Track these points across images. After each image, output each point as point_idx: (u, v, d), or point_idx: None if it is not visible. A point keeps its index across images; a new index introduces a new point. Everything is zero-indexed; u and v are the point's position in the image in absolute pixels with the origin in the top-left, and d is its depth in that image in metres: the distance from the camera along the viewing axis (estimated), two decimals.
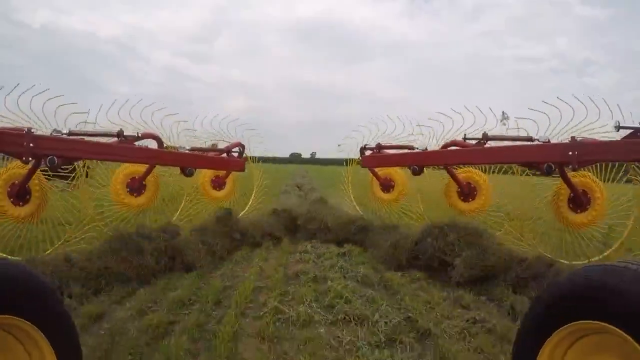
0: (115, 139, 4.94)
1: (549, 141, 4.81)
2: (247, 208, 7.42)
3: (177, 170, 5.97)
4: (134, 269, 4.33)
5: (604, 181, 5.32)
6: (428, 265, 4.86)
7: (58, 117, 4.80)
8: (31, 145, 3.84)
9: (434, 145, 6.02)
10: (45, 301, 1.59)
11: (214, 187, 7.21)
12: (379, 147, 6.57)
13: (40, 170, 4.77)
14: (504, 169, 6.21)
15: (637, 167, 5.08)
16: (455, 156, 5.38)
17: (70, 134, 4.78)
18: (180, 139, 6.28)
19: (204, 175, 7.03)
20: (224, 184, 7.29)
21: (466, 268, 4.43)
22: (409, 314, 3.57)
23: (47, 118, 4.80)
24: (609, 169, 5.36)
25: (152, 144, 5.46)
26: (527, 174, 5.69)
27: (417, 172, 5.78)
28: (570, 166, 4.20)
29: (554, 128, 4.95)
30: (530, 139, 4.97)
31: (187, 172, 5.41)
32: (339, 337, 3.16)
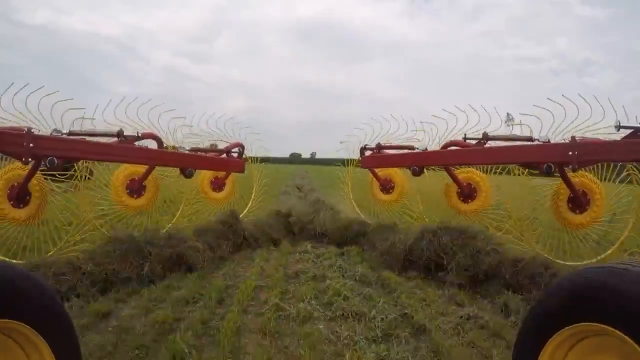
0: (115, 139, 4.93)
1: (549, 141, 4.80)
2: (246, 210, 7.40)
3: (175, 171, 5.98)
4: (137, 270, 4.39)
5: (602, 180, 5.31)
6: (424, 268, 4.89)
7: (58, 117, 4.79)
8: (31, 145, 3.83)
9: (433, 145, 6.01)
10: (44, 304, 1.59)
11: (214, 189, 7.18)
12: (379, 147, 6.56)
13: (40, 171, 4.77)
14: (506, 170, 6.20)
15: (637, 167, 5.07)
16: (455, 156, 5.37)
17: (70, 134, 4.77)
18: (179, 139, 6.27)
19: (203, 176, 7.01)
20: (224, 185, 7.27)
21: (459, 271, 4.49)
22: (405, 311, 3.68)
23: (46, 118, 4.79)
24: (609, 170, 5.35)
25: (152, 144, 5.44)
26: (527, 175, 5.69)
27: (417, 172, 5.78)
28: (570, 166, 4.20)
29: (554, 128, 4.95)
30: (530, 139, 4.96)
31: (187, 173, 5.40)
32: (337, 332, 3.28)
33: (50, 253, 4.79)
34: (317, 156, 76.74)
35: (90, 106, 5.22)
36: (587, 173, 5.30)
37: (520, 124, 5.05)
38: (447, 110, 5.95)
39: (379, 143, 6.60)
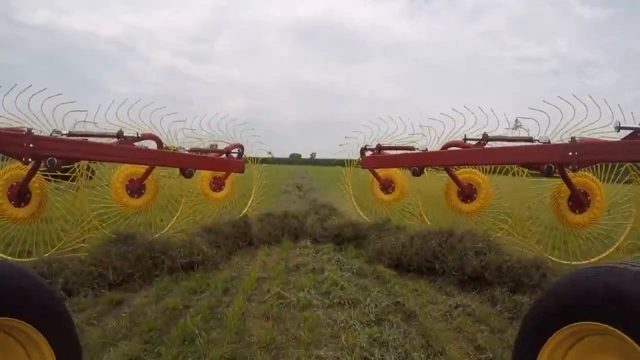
0: (115, 139, 4.94)
1: (549, 142, 4.81)
2: (246, 209, 7.42)
3: (175, 171, 5.99)
4: (146, 270, 4.51)
5: (602, 181, 5.32)
6: (415, 271, 4.96)
7: (58, 117, 4.81)
8: (31, 145, 3.85)
9: (434, 146, 6.03)
10: (44, 302, 1.59)
11: (213, 189, 7.20)
12: (379, 147, 6.58)
13: (41, 171, 4.78)
14: (504, 170, 6.22)
15: (637, 167, 5.08)
16: (455, 157, 5.39)
17: (70, 134, 4.79)
18: (179, 139, 6.29)
19: (203, 176, 7.03)
20: (223, 185, 7.29)
21: (449, 274, 4.58)
22: (397, 299, 3.93)
23: (47, 118, 4.80)
24: (608, 170, 5.36)
25: (152, 145, 5.46)
26: (526, 175, 5.70)
27: (417, 173, 5.79)
28: (570, 167, 4.21)
29: (554, 128, 4.96)
30: (530, 140, 4.97)
31: (186, 173, 5.42)
32: (334, 317, 3.53)
33: (52, 252, 4.82)
34: (317, 157, 76.90)
35: (90, 106, 5.23)
36: (587, 173, 5.31)
37: (528, 130, 5.07)
38: (448, 112, 5.97)
39: (379, 144, 6.61)
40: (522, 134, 5.22)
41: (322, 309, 3.74)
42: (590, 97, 4.74)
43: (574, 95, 4.83)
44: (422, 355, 2.88)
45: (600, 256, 5.16)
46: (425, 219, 6.46)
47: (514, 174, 5.94)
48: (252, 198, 7.63)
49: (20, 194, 4.77)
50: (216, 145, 7.01)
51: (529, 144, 4.92)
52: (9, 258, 4.57)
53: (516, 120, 5.40)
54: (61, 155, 4.14)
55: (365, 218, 7.15)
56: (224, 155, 6.65)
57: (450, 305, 3.86)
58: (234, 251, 5.81)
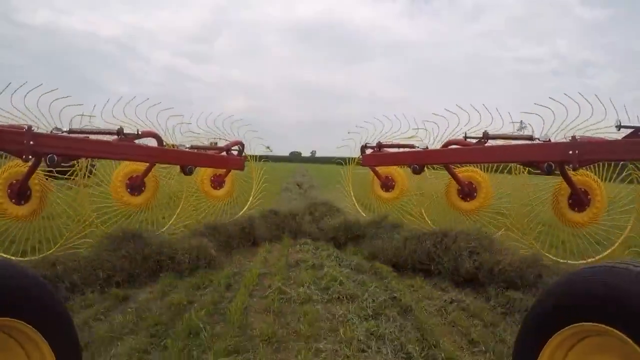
0: (115, 137, 4.93)
1: (549, 140, 4.80)
2: (246, 207, 7.42)
3: (175, 169, 5.98)
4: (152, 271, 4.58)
5: (603, 180, 5.32)
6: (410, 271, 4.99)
7: (59, 116, 4.80)
8: (31, 143, 3.84)
9: (434, 144, 6.02)
10: (44, 302, 1.59)
11: (213, 186, 7.19)
12: (380, 145, 6.57)
13: (41, 170, 4.78)
14: (507, 169, 6.20)
15: (637, 166, 5.07)
16: (455, 155, 5.38)
17: (70, 132, 4.78)
18: (179, 137, 6.28)
19: (203, 173, 7.02)
20: (223, 182, 7.29)
21: (445, 275, 4.62)
22: (394, 294, 4.03)
23: (47, 116, 4.80)
24: (611, 169, 5.35)
25: (152, 143, 5.45)
26: (526, 173, 5.69)
27: (417, 171, 5.78)
28: (570, 165, 4.20)
29: (555, 127, 4.95)
30: (531, 138, 4.96)
31: (187, 171, 5.41)
32: (333, 311, 3.65)
33: (54, 249, 4.83)
34: (317, 155, 76.92)
35: (90, 106, 5.23)
36: (588, 172, 5.30)
37: (533, 131, 5.06)
38: (448, 110, 5.95)
39: (379, 141, 6.60)
40: (515, 125, 5.24)
41: (321, 303, 3.85)
42: (590, 98, 4.74)
43: (579, 94, 4.82)
44: (417, 348, 2.97)
45: (601, 255, 5.15)
46: (426, 218, 6.46)
47: (510, 171, 5.94)
48: (251, 198, 7.63)
49: (20, 192, 4.76)
50: (216, 143, 7.01)
51: (530, 142, 4.91)
52: (12, 258, 4.57)
53: (521, 122, 5.41)
54: (61, 153, 4.13)
55: (364, 215, 7.14)
56: (224, 153, 6.64)
57: (445, 300, 3.98)
58: (236, 248, 5.89)
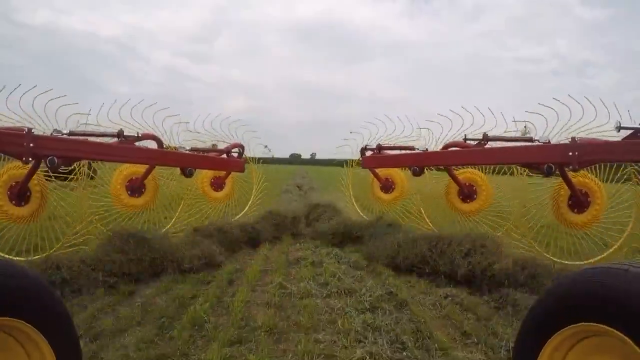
0: (116, 139, 4.94)
1: (549, 142, 4.81)
2: (246, 208, 7.42)
3: (175, 171, 5.99)
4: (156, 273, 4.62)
5: (603, 181, 5.32)
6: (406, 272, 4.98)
7: (58, 117, 4.81)
8: (31, 145, 3.85)
9: (434, 146, 6.02)
10: (44, 302, 1.59)
11: (214, 189, 7.19)
12: (380, 147, 6.58)
13: (42, 171, 4.78)
14: (504, 170, 6.21)
15: (637, 167, 5.07)
16: (455, 157, 5.39)
17: (70, 134, 4.78)
18: (179, 139, 6.28)
19: (203, 176, 7.02)
20: (223, 184, 7.29)
21: (442, 277, 4.62)
22: (391, 289, 4.16)
23: (47, 118, 4.79)
24: (611, 170, 5.36)
25: (152, 145, 5.45)
26: (526, 175, 5.69)
27: (417, 172, 5.79)
28: (570, 167, 4.20)
29: (554, 128, 4.96)
30: (531, 140, 4.97)
31: (187, 173, 5.42)
32: (331, 305, 3.77)
33: (56, 247, 4.86)
34: (317, 157, 76.89)
35: (90, 106, 5.23)
36: (588, 173, 5.31)
37: (537, 134, 5.07)
38: (451, 111, 5.96)
39: (379, 143, 6.61)
40: (514, 127, 5.25)
41: (320, 297, 4.00)
42: (591, 98, 4.75)
43: (574, 95, 4.84)
44: (412, 339, 3.09)
45: (601, 256, 5.15)
46: (426, 219, 6.46)
47: (509, 173, 5.95)
48: (252, 199, 7.64)
49: (20, 194, 4.77)
50: (216, 145, 7.02)
51: (529, 144, 4.91)
52: (14, 258, 4.57)
53: (525, 127, 5.44)
54: (61, 155, 4.13)
55: (364, 217, 7.15)
56: (224, 155, 6.65)
57: (440, 295, 4.09)
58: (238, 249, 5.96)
